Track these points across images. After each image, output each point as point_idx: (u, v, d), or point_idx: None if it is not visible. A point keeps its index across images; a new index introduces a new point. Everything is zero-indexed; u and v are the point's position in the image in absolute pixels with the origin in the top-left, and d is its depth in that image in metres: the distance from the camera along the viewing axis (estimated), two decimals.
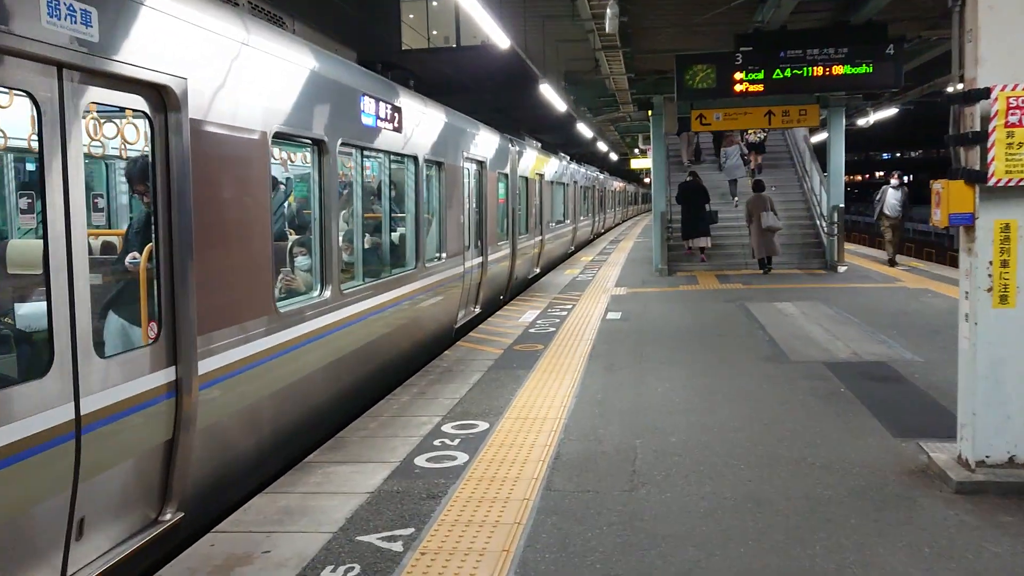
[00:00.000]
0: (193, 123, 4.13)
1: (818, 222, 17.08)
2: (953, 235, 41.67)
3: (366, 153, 6.92)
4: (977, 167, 4.20)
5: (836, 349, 8.17)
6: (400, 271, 7.78)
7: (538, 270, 16.62)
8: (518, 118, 27.71)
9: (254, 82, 4.82)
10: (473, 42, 32.76)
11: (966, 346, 4.36)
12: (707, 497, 4.36)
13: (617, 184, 44.08)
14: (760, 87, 9.88)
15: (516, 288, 14.10)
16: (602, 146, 31.06)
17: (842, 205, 15.64)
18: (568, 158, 23.16)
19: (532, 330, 9.94)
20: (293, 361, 5.37)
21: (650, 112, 16.44)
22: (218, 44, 4.43)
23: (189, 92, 4.09)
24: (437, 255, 9.05)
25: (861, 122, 16.62)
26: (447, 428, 5.83)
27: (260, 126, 4.88)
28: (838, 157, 15.99)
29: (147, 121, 3.93)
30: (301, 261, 6.18)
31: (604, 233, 34.44)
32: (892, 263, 15.53)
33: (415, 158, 7.95)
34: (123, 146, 4.53)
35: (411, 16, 35.73)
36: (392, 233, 7.99)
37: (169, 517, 4.12)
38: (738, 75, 9.94)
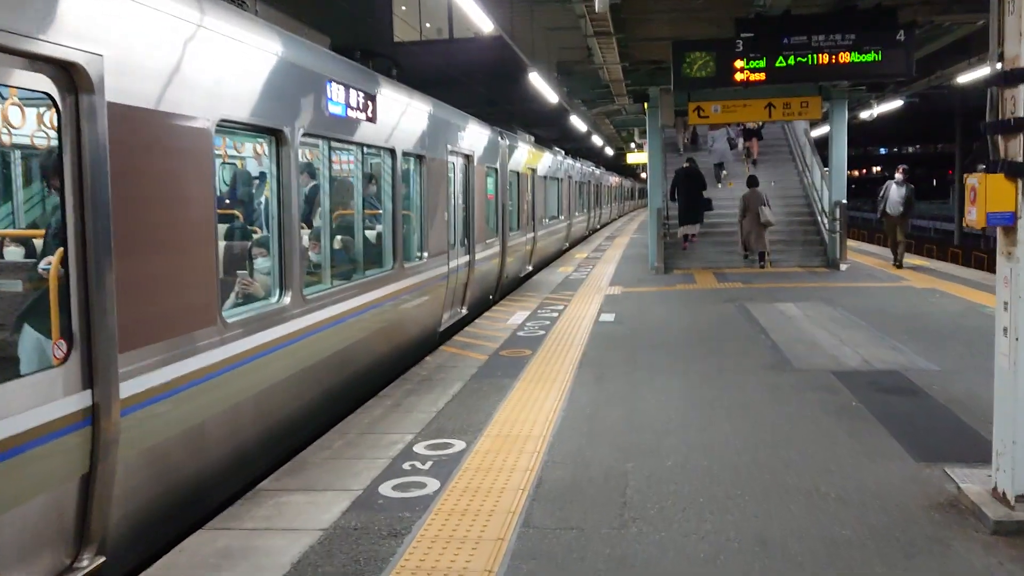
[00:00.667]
0: (112, 108, 3.55)
1: (819, 218, 16.54)
2: (953, 231, 41.40)
3: (335, 145, 6.35)
4: (1020, 158, 3.64)
5: (844, 356, 7.62)
6: (376, 272, 7.21)
7: (530, 268, 16.05)
8: (513, 112, 27.18)
9: (193, 62, 4.24)
10: (466, 34, 32.22)
11: (1005, 365, 3.80)
12: (708, 537, 3.81)
13: (613, 179, 43.52)
14: (762, 76, 9.32)
15: (507, 287, 13.54)
16: (597, 140, 30.49)
17: (845, 201, 15.09)
18: (563, 153, 22.61)
19: (521, 333, 9.38)
20: (246, 376, 4.81)
21: (646, 104, 15.86)
22: (144, 18, 3.85)
23: (106, 72, 3.51)
24: (418, 254, 8.48)
25: (864, 115, 16.08)
26: (419, 448, 5.27)
27: (201, 113, 4.30)
28: (840, 151, 15.44)
29: (53, 105, 3.35)
30: (261, 264, 5.61)
31: (600, 229, 33.89)
32: (898, 265, 14.82)
33: (392, 151, 7.38)
34: (34, 133, 3.95)
35: (403, 8, 35.13)
36: (367, 232, 7.42)
37: (87, 563, 3.56)
38: (739, 63, 9.37)
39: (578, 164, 26.07)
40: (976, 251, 26.94)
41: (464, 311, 10.50)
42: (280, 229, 5.22)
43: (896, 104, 15.07)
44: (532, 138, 17.89)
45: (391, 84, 7.68)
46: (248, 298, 5.46)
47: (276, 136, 5.18)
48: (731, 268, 15.48)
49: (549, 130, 34.10)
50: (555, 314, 10.68)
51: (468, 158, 10.49)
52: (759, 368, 7.26)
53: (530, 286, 13.96)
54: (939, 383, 6.52)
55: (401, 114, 7.74)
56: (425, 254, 8.50)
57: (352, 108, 6.28)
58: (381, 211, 7.56)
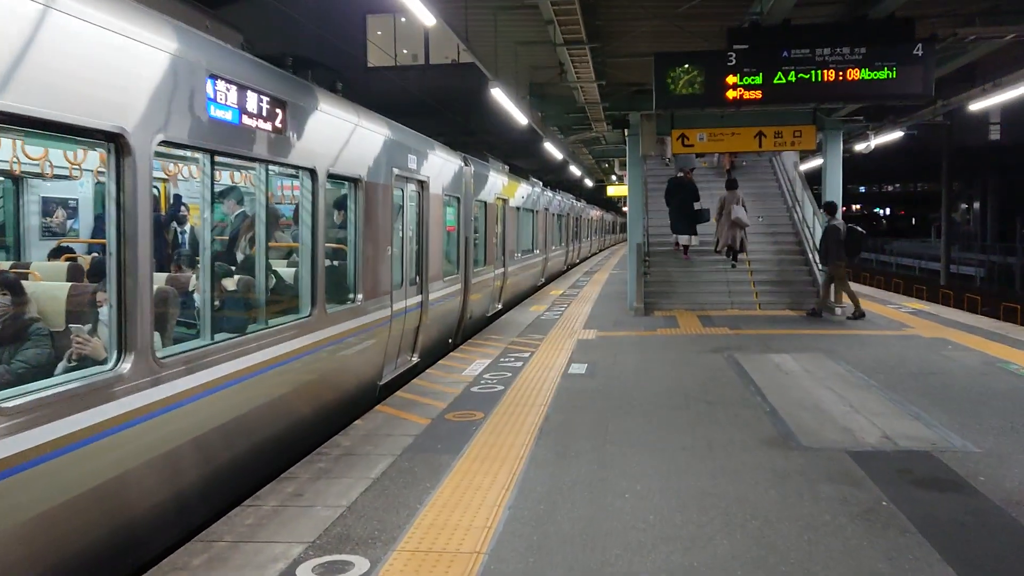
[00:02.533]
0: None
1: (811, 256, 15.32)
2: (939, 271, 40.57)
3: (221, 160, 5.00)
4: None
5: (859, 428, 6.29)
6: (285, 321, 5.81)
7: (500, 306, 14.69)
8: (491, 143, 26.04)
9: None
10: (443, 61, 31.15)
11: None
12: None
13: (594, 212, 42.47)
14: (758, 93, 8.09)
15: (471, 328, 12.17)
16: (575, 171, 29.37)
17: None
18: (540, 183, 21.42)
19: (476, 388, 8.00)
20: (52, 475, 3.40)
21: (626, 131, 14.68)
22: None
23: None
24: (349, 297, 7.10)
25: (860, 147, 14.99)
26: (304, 572, 3.86)
27: None
28: (835, 184, 14.29)
29: None
30: (104, 314, 4.21)
31: (580, 264, 32.67)
32: (813, 312, 13.29)
33: (312, 171, 6.04)
34: None
35: (379, 33, 34.12)
36: (277, 270, 6.07)
37: None
38: (731, 78, 8.14)
39: (556, 196, 24.87)
40: (968, 293, 25.93)
41: (415, 359, 9.12)
42: (120, 266, 3.82)
43: (895, 136, 14.01)
44: (506, 167, 16.68)
45: (314, 92, 6.36)
46: (88, 361, 4.07)
47: (115, 143, 3.80)
48: (717, 311, 14.20)
49: (528, 161, 33.03)
50: (519, 363, 9.31)
51: (422, 184, 9.17)
52: (758, 444, 5.91)
53: (497, 327, 12.60)
54: (985, 471, 5.19)
55: (327, 128, 6.42)
56: (359, 296, 7.12)
57: (249, 115, 4.93)
58: (298, 245, 6.18)
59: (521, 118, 11.63)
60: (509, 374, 8.68)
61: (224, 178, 6.88)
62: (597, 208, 45.25)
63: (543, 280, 21.19)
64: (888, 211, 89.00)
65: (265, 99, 5.16)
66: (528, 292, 18.53)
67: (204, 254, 4.73)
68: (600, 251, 45.76)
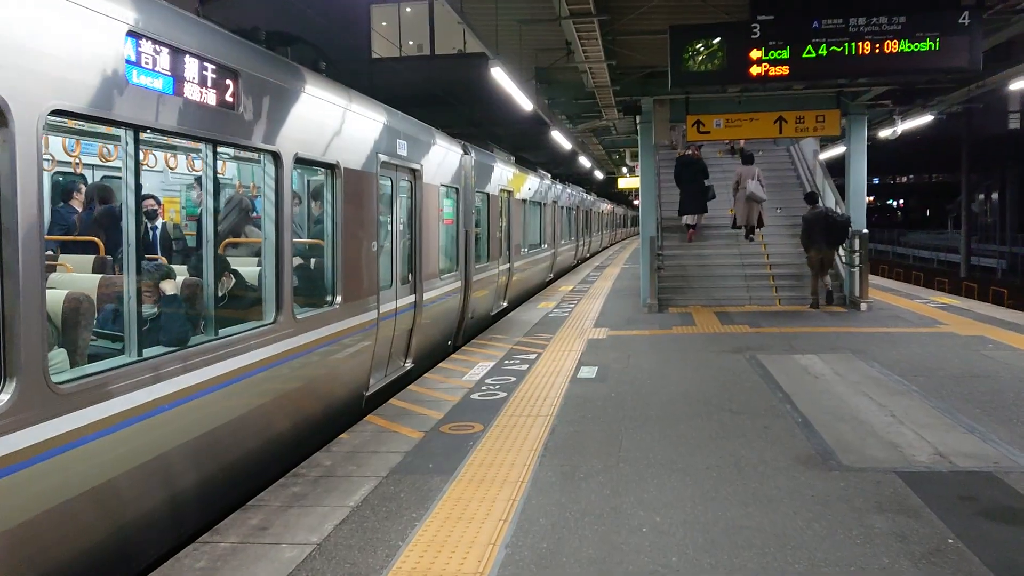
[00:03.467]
0: None
1: (834, 250, 14.52)
2: (958, 263, 39.55)
3: (151, 135, 4.29)
4: None
5: (906, 443, 5.56)
6: (239, 330, 5.05)
7: (505, 303, 13.97)
8: (498, 135, 25.32)
9: None
10: (449, 51, 30.45)
11: None
12: None
13: (605, 206, 41.69)
14: (784, 69, 7.34)
15: (474, 328, 11.46)
16: (585, 163, 28.61)
17: (866, 231, 13.12)
18: (549, 176, 20.68)
19: (476, 395, 7.32)
20: None
21: (637, 118, 13.93)
22: None
23: None
24: (327, 299, 6.39)
25: (885, 134, 14.20)
26: None
27: None
28: (859, 174, 13.50)
29: None
30: None
31: (590, 258, 31.92)
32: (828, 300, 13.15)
33: (275, 155, 5.28)
34: None
35: (384, 24, 33.50)
36: (230, 271, 5.36)
37: None
38: (754, 53, 7.38)
39: (564, 188, 24.11)
40: (993, 286, 25.05)
41: (408, 364, 8.41)
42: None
43: (924, 120, 13.22)
44: (512, 158, 15.97)
45: (279, 64, 5.60)
46: None
47: None
48: (735, 307, 13.46)
49: (537, 153, 32.26)
50: (525, 366, 8.62)
51: (415, 173, 8.43)
52: (793, 463, 5.19)
53: (502, 326, 11.90)
54: None
55: (296, 107, 5.65)
56: (337, 298, 6.39)
57: (187, 84, 4.19)
58: (258, 239, 5.45)
59: (525, 102, 10.90)
60: (513, 379, 8.00)
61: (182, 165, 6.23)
62: (608, 201, 44.46)
63: (552, 276, 20.46)
64: (902, 202, 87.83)
65: (210, 67, 4.41)
66: (538, 287, 17.83)
67: (128, 251, 3.99)
68: (611, 245, 44.98)
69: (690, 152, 15.23)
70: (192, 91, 4.22)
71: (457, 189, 10.28)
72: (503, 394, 7.34)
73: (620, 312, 13.19)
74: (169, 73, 4.03)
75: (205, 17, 6.02)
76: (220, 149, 4.80)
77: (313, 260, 6.62)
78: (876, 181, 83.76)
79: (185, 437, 4.37)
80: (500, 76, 8.74)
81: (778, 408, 6.62)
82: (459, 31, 25.69)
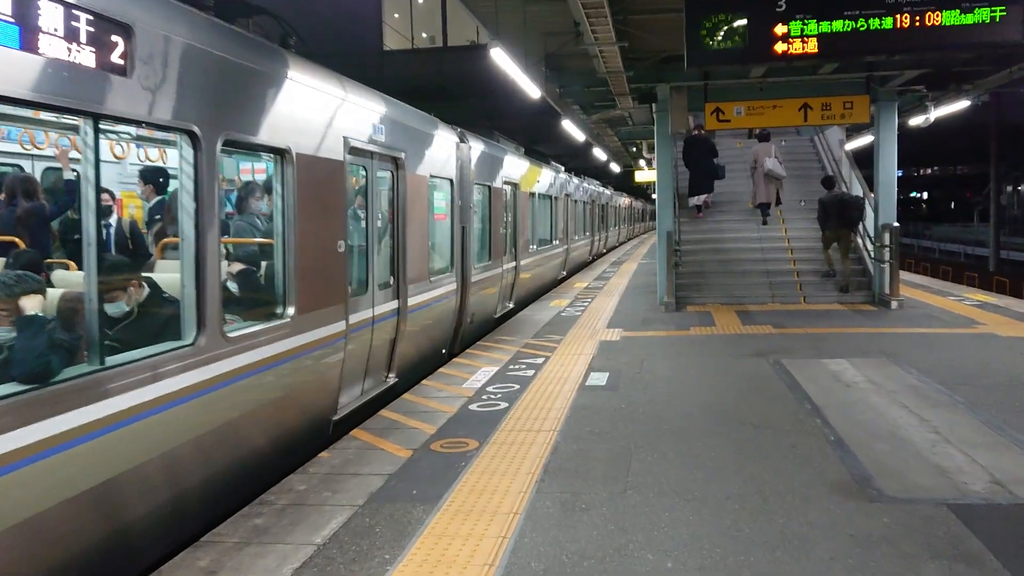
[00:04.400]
0: None
1: (861, 243, 13.80)
2: (986, 257, 38.42)
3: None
4: None
5: (956, 468, 4.88)
6: (138, 357, 4.01)
7: (511, 304, 13.16)
8: (511, 128, 24.69)
9: None
10: (461, 43, 29.85)
11: None
12: None
13: (622, 200, 40.91)
14: (812, 46, 6.63)
15: (474, 333, 10.73)
16: (601, 155, 27.89)
17: (896, 224, 12.37)
18: (561, 168, 19.97)
19: (475, 405, 6.72)
20: None
21: (653, 106, 13.25)
22: None
23: None
24: (276, 311, 5.36)
25: (916, 121, 13.41)
26: None
27: None
28: (889, 164, 12.75)
29: None
30: None
31: (606, 254, 31.21)
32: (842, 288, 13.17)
33: (192, 134, 4.33)
34: None
35: (396, 16, 33.00)
36: (130, 281, 4.54)
37: None
38: (779, 28, 6.69)
39: (578, 182, 23.38)
40: None
41: (392, 378, 7.53)
42: None
43: (959, 106, 12.44)
44: (522, 149, 15.24)
45: (199, 23, 4.55)
46: None
47: None
48: (756, 305, 12.76)
49: (552, 147, 31.58)
50: (531, 372, 8.00)
51: (396, 162, 7.54)
52: (827, 491, 4.53)
53: (512, 326, 11.29)
54: None
55: (224, 78, 4.69)
56: (289, 310, 5.36)
57: (48, 38, 3.30)
58: (179, 240, 4.54)
59: (531, 88, 10.24)
60: (517, 386, 7.39)
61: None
62: (624, 195, 43.66)
63: (564, 273, 19.68)
64: (926, 195, 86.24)
65: (85, 18, 3.48)
66: (547, 287, 16.98)
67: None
68: (628, 240, 44.20)
69: (696, 132, 14.59)
70: (54, 47, 3.33)
71: (451, 181, 9.46)
72: (504, 404, 6.73)
73: (635, 311, 12.53)
74: (14, 21, 3.15)
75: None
76: (118, 128, 4.11)
77: (258, 265, 5.71)
78: (900, 173, 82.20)
79: (109, 476, 3.69)
80: (501, 58, 8.06)
81: (806, 422, 5.96)
82: (473, 23, 25.09)
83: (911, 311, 11.75)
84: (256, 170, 7.00)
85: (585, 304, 13.56)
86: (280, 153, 5.31)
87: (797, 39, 6.67)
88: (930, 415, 6.04)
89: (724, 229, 15.32)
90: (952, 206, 76.66)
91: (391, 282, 7.50)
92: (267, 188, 5.85)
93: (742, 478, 4.78)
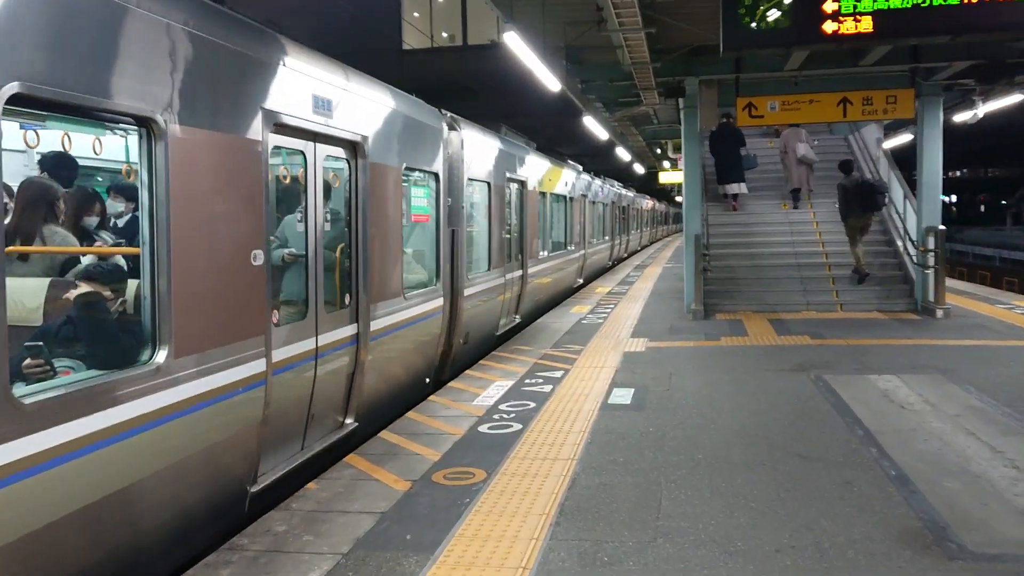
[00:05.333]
0: None
1: (903, 245, 12.97)
2: None
3: None
4: None
5: None
6: None
7: (518, 318, 11.69)
8: (533, 127, 24.07)
9: None
10: (482, 41, 29.28)
11: None
12: None
13: (646, 202, 40.06)
14: (867, 25, 5.90)
15: (469, 355, 9.16)
16: (624, 155, 27.13)
17: (942, 227, 11.56)
18: (579, 168, 19.12)
19: (485, 427, 6.06)
20: None
21: (680, 102, 12.52)
22: None
23: None
24: (137, 355, 3.79)
25: (962, 117, 12.57)
26: None
27: None
28: (934, 164, 11.93)
29: None
30: None
31: (627, 258, 30.41)
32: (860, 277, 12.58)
33: None
34: None
35: (416, 15, 32.54)
36: None
37: None
38: (829, 4, 5.98)
39: (600, 183, 22.59)
40: None
41: (348, 423, 5.99)
42: None
43: (1011, 101, 11.60)
44: (534, 144, 14.21)
45: None
46: None
47: None
48: (790, 313, 11.99)
49: (573, 147, 30.87)
50: (548, 387, 7.33)
51: (355, 148, 5.93)
52: (894, 544, 3.81)
53: (529, 335, 10.62)
54: None
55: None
56: (158, 354, 3.76)
57: None
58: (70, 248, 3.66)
59: (549, 79, 9.56)
60: (532, 404, 6.72)
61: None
62: (649, 198, 42.82)
63: (580, 280, 18.31)
64: (955, 198, 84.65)
65: None
66: (561, 296, 15.60)
67: None
68: (651, 243, 43.37)
69: (724, 120, 13.89)
70: None
71: (437, 175, 8.07)
72: (518, 426, 6.06)
73: (661, 318, 11.81)
74: None
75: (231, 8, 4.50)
76: None
77: (106, 291, 4.16)
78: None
79: None
80: (516, 44, 7.34)
81: (861, 453, 5.23)
82: (494, 21, 24.46)
83: (959, 320, 10.93)
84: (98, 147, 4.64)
85: (608, 311, 12.86)
86: (145, 124, 3.70)
87: (849, 17, 5.93)
88: (1003, 445, 5.29)
89: (753, 232, 14.55)
90: (982, 209, 74.97)
91: (346, 301, 5.92)
92: (119, 182, 4.72)
93: (793, 525, 4.07)
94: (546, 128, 26.02)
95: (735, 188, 14.84)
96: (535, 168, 13.06)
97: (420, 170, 7.56)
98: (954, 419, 5.95)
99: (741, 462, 5.10)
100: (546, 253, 14.21)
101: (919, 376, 7.43)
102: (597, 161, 31.54)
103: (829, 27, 6.04)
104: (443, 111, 8.49)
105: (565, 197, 16.25)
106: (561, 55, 10.61)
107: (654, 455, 5.30)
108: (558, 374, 7.94)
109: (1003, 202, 73.07)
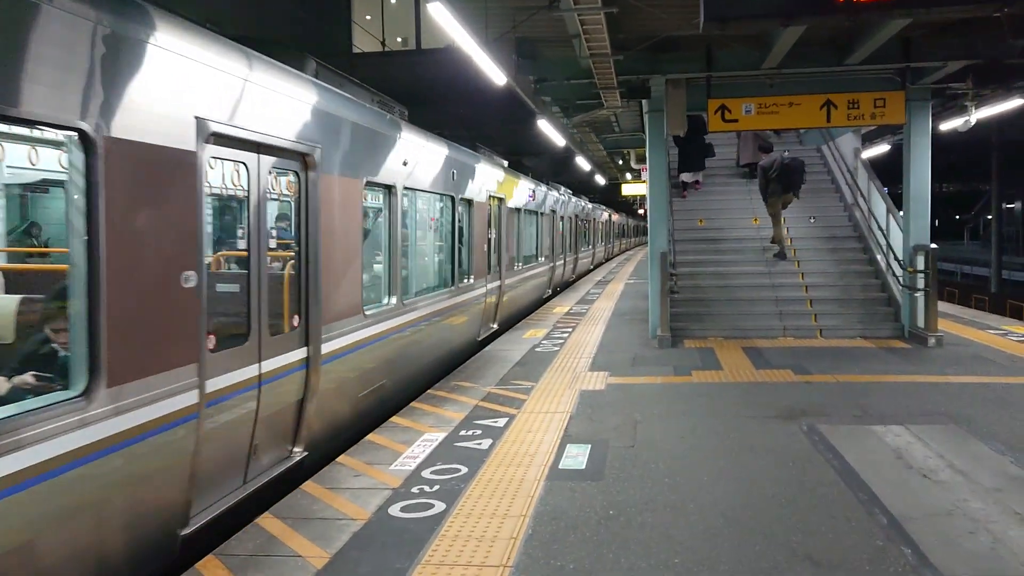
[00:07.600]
0: None
1: (887, 264, 11.85)
2: (985, 276, 36.71)
3: None
4: None
5: None
6: None
7: (495, 326, 11.82)
8: (495, 138, 22.80)
9: None
10: (436, 45, 27.99)
11: None
12: None
13: (612, 215, 39.07)
14: None
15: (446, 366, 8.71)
16: (583, 164, 25.94)
17: (933, 246, 10.45)
18: (547, 182, 18.17)
19: (398, 508, 4.67)
20: None
21: (644, 104, 11.28)
22: None
23: None
24: (50, 385, 3.56)
25: (951, 125, 11.51)
26: None
27: None
28: (922, 174, 10.82)
29: None
30: None
31: (592, 271, 29.21)
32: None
33: None
34: None
35: (368, 17, 31.11)
36: None
37: None
38: None
39: (572, 197, 21.60)
40: None
41: (298, 452, 5.47)
42: None
43: (1013, 104, 10.54)
44: (505, 163, 13.46)
45: None
46: None
47: None
48: (766, 340, 10.77)
49: (537, 160, 29.67)
50: (486, 443, 5.95)
51: (304, 159, 5.39)
52: None
53: (477, 366, 9.22)
54: None
55: None
56: (78, 385, 3.39)
57: None
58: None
59: (495, 73, 8.20)
60: (464, 470, 5.33)
61: None
62: (610, 210, 41.77)
63: (550, 292, 18.00)
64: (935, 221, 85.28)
65: None
66: (533, 306, 15.52)
67: None
68: (620, 253, 42.29)
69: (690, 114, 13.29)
70: None
71: (391, 187, 7.35)
72: (440, 505, 4.67)
73: (623, 345, 10.49)
74: None
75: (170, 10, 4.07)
76: None
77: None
78: (885, 191, 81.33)
79: None
80: (442, 16, 5.92)
81: (891, 554, 3.91)
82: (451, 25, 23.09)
83: (953, 349, 9.78)
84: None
85: (565, 335, 11.52)
86: (79, 133, 3.34)
87: None
88: None
89: (722, 249, 13.35)
90: (936, 224, 75.58)
91: (295, 323, 5.43)
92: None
93: None
94: (504, 137, 24.80)
95: (689, 177, 14.90)
96: (504, 182, 12.57)
97: (382, 185, 7.10)
98: (994, 495, 4.68)
99: (733, 572, 3.75)
100: (520, 267, 14.27)
101: (932, 428, 6.17)
102: (559, 174, 30.38)
103: None
104: (410, 124, 8.04)
105: (537, 213, 16.00)
106: (511, 46, 9.27)
107: (616, 557, 3.92)
108: (501, 422, 6.56)
109: (957, 217, 73.83)
